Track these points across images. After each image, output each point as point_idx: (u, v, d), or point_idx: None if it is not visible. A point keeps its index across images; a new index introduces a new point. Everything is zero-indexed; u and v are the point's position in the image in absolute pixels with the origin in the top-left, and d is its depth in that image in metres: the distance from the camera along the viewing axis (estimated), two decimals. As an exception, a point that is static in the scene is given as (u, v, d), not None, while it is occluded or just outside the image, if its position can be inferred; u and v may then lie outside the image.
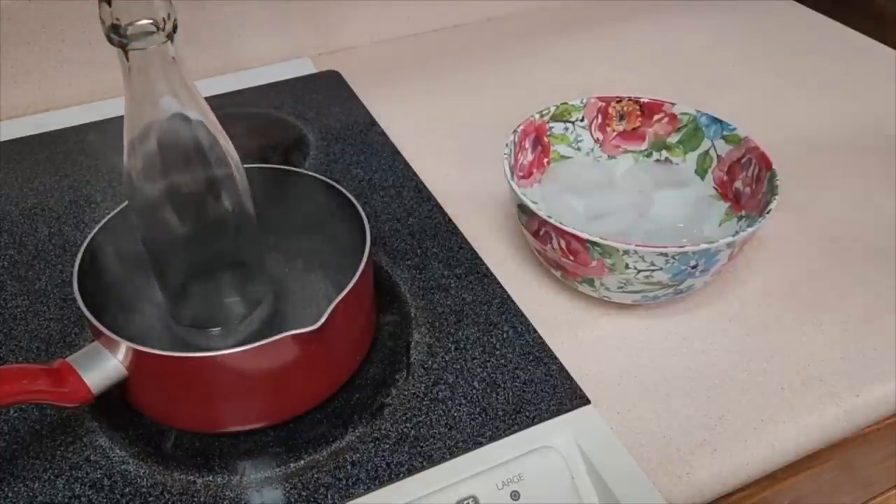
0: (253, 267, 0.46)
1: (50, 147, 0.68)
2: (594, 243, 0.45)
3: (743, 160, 0.53)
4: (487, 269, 0.54)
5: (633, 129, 0.58)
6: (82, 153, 0.67)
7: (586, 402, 0.44)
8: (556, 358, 0.47)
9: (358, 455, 0.42)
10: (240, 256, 0.45)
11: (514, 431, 0.43)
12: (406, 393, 0.45)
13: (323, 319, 0.38)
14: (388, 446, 0.42)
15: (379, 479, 0.40)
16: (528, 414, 0.43)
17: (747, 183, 0.52)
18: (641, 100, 0.57)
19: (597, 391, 0.45)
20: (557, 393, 0.45)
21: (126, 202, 0.46)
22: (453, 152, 0.67)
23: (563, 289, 0.53)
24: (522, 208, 0.48)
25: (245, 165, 0.42)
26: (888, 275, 0.53)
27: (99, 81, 0.75)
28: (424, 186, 0.62)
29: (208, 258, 0.44)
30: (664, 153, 0.58)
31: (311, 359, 0.41)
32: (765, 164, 0.50)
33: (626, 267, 0.45)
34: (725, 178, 0.54)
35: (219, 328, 0.46)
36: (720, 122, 0.54)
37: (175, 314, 0.47)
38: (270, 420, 0.43)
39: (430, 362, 0.47)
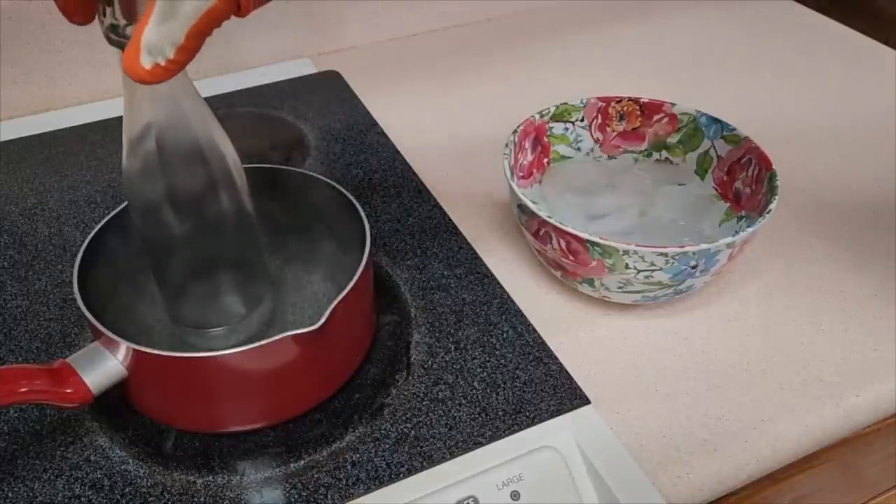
0: (253, 267, 0.46)
1: (50, 147, 0.68)
2: (594, 243, 0.45)
3: (743, 160, 0.53)
4: (487, 269, 0.54)
5: (633, 129, 0.58)
6: (82, 153, 0.67)
7: (586, 402, 0.44)
8: (556, 358, 0.47)
9: (358, 455, 0.42)
10: (239, 256, 0.45)
11: (514, 431, 0.43)
12: (406, 393, 0.45)
13: (323, 319, 0.38)
14: (388, 446, 0.42)
15: (379, 479, 0.40)
16: (528, 414, 0.43)
17: (747, 183, 0.52)
18: (641, 100, 0.57)
19: (597, 391, 0.45)
20: (557, 393, 0.45)
21: (126, 202, 0.46)
22: (453, 152, 0.67)
23: (563, 289, 0.53)
24: (522, 208, 0.48)
25: (245, 165, 0.42)
26: (888, 275, 0.53)
27: (99, 81, 0.75)
28: (424, 186, 0.62)
29: (208, 258, 0.44)
30: (664, 153, 0.58)
31: (311, 359, 0.41)
32: (765, 164, 0.50)
33: (626, 267, 0.45)
34: (725, 178, 0.54)
35: (219, 328, 0.46)
36: (720, 122, 0.54)
37: (175, 314, 0.47)
38: (270, 420, 0.43)
39: (430, 362, 0.47)
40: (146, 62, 0.31)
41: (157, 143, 0.38)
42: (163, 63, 0.31)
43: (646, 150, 0.58)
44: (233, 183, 0.41)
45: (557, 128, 0.57)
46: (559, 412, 0.44)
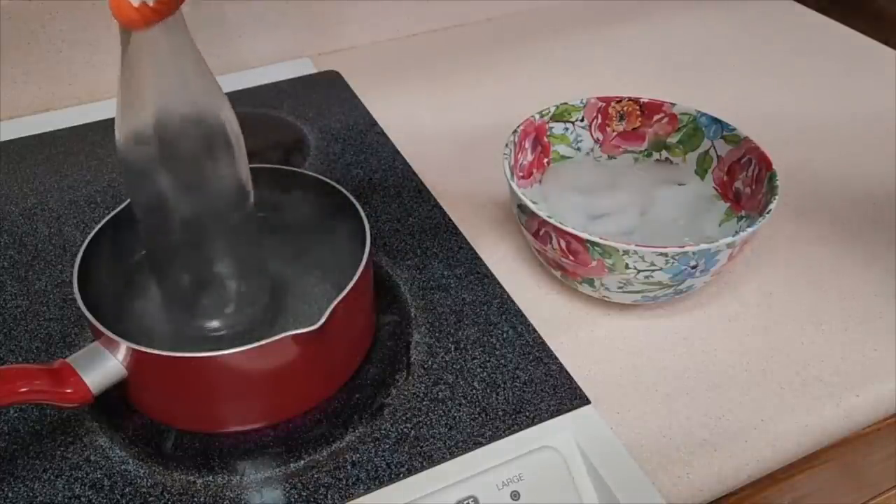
0: (253, 267, 0.46)
1: (50, 147, 0.68)
2: (594, 243, 0.45)
3: (743, 160, 0.53)
4: (487, 269, 0.54)
5: (633, 129, 0.58)
6: (82, 153, 0.67)
7: (586, 402, 0.44)
8: (556, 358, 0.47)
9: (358, 455, 0.42)
10: (241, 257, 0.45)
11: (514, 431, 0.43)
12: (406, 393, 0.45)
13: (323, 319, 0.39)
14: (388, 446, 0.42)
15: (379, 479, 0.40)
16: (528, 414, 0.43)
17: (747, 183, 0.52)
18: (641, 100, 0.57)
19: (597, 391, 0.45)
20: (557, 393, 0.45)
21: (126, 202, 0.46)
22: (453, 152, 0.67)
23: (563, 289, 0.53)
24: (522, 208, 0.48)
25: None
26: (888, 275, 0.53)
27: (99, 81, 0.75)
28: (424, 186, 0.62)
29: (209, 258, 0.44)
30: (664, 153, 0.58)
31: (311, 359, 0.41)
32: (765, 164, 0.50)
33: (626, 267, 0.45)
34: (725, 178, 0.54)
35: (220, 329, 0.46)
36: (720, 122, 0.54)
37: (176, 315, 0.47)
38: (270, 420, 0.43)
39: (430, 362, 0.47)
40: (134, 0, 0.31)
41: (157, 135, 0.37)
42: (151, 3, 0.31)
43: (646, 150, 0.58)
44: (236, 181, 0.41)
45: (557, 128, 0.57)
46: (559, 412, 0.44)
